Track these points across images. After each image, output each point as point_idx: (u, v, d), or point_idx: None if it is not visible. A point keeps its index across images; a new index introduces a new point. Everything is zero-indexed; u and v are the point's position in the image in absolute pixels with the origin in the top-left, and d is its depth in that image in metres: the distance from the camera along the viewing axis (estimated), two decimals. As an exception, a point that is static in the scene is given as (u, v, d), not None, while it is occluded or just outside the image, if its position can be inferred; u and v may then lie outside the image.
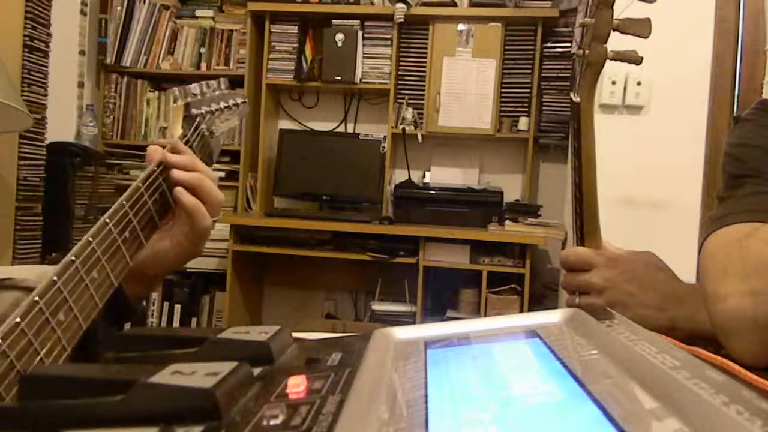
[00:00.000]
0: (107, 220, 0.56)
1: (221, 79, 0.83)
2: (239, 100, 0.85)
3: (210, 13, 3.27)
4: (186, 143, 0.72)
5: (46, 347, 0.47)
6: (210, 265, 3.12)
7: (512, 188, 3.13)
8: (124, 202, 0.59)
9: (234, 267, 2.95)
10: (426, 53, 3.05)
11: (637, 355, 0.33)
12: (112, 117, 3.26)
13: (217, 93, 0.80)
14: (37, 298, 0.47)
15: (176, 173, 0.66)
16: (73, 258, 0.51)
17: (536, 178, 3.16)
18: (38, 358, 0.46)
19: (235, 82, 3.20)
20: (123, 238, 0.58)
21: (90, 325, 0.61)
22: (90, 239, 0.54)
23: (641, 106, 2.50)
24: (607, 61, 0.74)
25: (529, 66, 3.00)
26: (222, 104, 0.80)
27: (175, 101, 0.74)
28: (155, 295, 3.15)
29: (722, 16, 2.44)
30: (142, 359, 0.39)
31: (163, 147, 0.68)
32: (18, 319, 0.44)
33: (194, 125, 0.74)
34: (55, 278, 0.49)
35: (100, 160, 2.89)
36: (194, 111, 0.75)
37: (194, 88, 0.76)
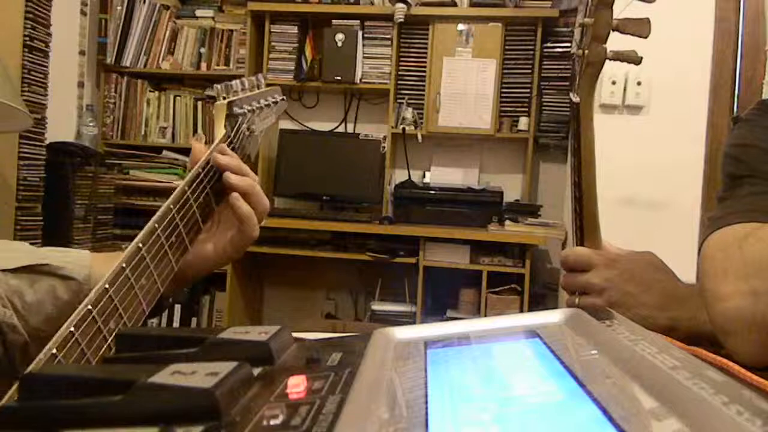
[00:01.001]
0: (155, 225, 0.56)
1: (259, 75, 0.81)
2: (278, 98, 0.84)
3: (210, 13, 3.27)
4: (230, 143, 0.71)
5: (97, 356, 0.47)
6: (210, 265, 3.12)
7: (512, 188, 3.13)
8: (171, 206, 0.59)
9: (234, 267, 2.95)
10: (426, 53, 3.05)
11: (637, 355, 0.33)
12: (112, 117, 3.26)
13: (256, 91, 0.79)
14: (90, 307, 0.47)
15: (231, 178, 0.65)
16: (124, 265, 0.51)
17: (536, 178, 3.16)
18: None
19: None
20: (170, 243, 0.57)
21: None
22: (140, 245, 0.53)
23: (641, 106, 2.50)
24: (607, 61, 0.74)
25: (529, 66, 3.00)
26: (262, 102, 0.79)
27: (217, 99, 0.72)
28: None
29: (722, 16, 2.44)
30: (142, 359, 0.39)
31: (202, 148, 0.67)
32: (72, 329, 0.45)
33: (237, 124, 0.73)
34: (107, 286, 0.49)
35: (100, 160, 2.89)
36: (236, 110, 0.74)
37: (236, 85, 0.75)
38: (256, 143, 0.79)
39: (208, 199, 0.65)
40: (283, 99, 0.85)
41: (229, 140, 0.71)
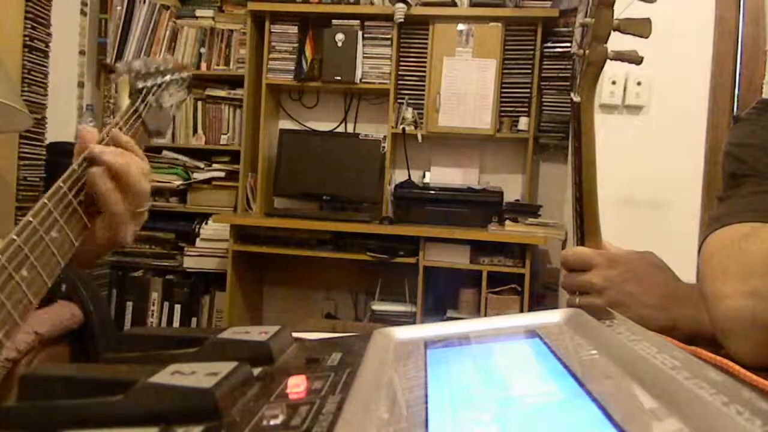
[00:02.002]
0: (30, 219, 0.55)
1: (166, 55, 0.86)
2: (185, 74, 0.87)
3: (210, 13, 3.27)
4: (134, 112, 0.74)
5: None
6: (210, 265, 3.12)
7: (512, 188, 3.13)
8: (46, 201, 0.58)
9: (234, 267, 2.95)
10: (426, 53, 3.05)
11: (637, 355, 0.33)
12: (112, 117, 3.25)
13: (162, 68, 0.82)
14: None
15: (104, 155, 0.64)
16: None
17: (536, 178, 3.16)
18: None
19: (235, 82, 3.20)
20: (51, 238, 0.57)
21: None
22: (14, 237, 0.53)
23: (641, 106, 2.50)
24: (607, 61, 0.74)
25: (529, 66, 3.00)
26: (168, 78, 0.82)
27: (119, 75, 0.76)
28: (155, 295, 3.16)
29: (722, 16, 2.44)
30: (142, 359, 0.39)
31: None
32: None
33: (141, 98, 0.76)
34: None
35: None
36: (140, 84, 0.77)
37: (138, 63, 0.78)
38: (168, 118, 0.82)
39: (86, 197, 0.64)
40: (190, 75, 0.89)
41: (134, 109, 0.74)
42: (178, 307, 3.14)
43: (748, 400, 0.25)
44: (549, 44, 2.99)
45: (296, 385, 0.32)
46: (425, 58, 3.05)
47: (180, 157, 3.19)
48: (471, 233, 2.78)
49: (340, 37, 3.06)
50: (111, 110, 3.26)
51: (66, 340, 1.40)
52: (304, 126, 3.35)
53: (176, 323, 3.12)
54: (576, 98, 0.76)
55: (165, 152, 3.21)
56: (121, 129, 0.70)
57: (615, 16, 0.72)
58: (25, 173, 2.36)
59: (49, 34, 2.45)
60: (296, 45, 3.15)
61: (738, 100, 2.45)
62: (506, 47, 3.01)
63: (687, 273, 0.77)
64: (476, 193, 2.99)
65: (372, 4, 3.10)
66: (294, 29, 3.15)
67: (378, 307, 3.01)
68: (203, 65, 3.23)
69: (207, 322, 3.18)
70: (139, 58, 0.79)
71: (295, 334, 0.44)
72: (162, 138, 0.81)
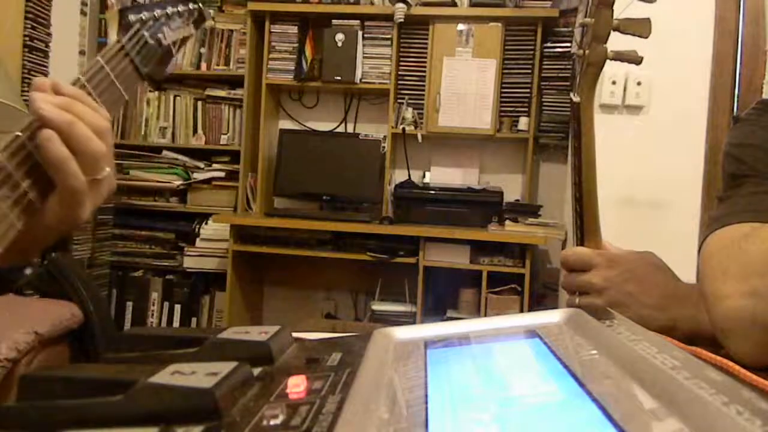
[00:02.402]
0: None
1: None
2: (191, 6, 0.76)
3: (210, 13, 3.27)
4: (120, 49, 0.64)
5: None
6: (210, 265, 3.12)
7: (512, 188, 3.13)
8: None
9: (234, 267, 2.95)
10: (426, 53, 3.05)
11: (637, 355, 0.33)
12: (112, 117, 3.25)
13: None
14: None
15: (45, 111, 0.53)
16: None
17: (536, 178, 3.16)
18: None
19: (235, 82, 3.20)
20: (2, 195, 0.49)
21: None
22: None
23: (641, 106, 2.50)
24: (607, 61, 0.74)
25: (529, 66, 3.00)
26: (169, 9, 0.72)
27: (111, 7, 0.70)
28: (155, 295, 3.16)
29: (722, 16, 2.44)
30: (142, 359, 0.39)
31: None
32: None
33: (132, 32, 0.67)
34: None
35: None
36: (132, 17, 0.67)
37: None
38: (169, 53, 0.71)
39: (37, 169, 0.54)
40: (197, 7, 0.76)
41: (120, 47, 0.65)
42: (178, 307, 3.14)
43: (748, 400, 0.25)
44: (549, 44, 2.99)
45: (296, 385, 0.32)
46: (425, 58, 3.05)
47: (180, 157, 3.19)
48: (471, 233, 2.78)
49: (340, 37, 3.06)
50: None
51: (66, 340, 1.39)
52: (304, 126, 3.35)
53: (176, 323, 3.12)
54: (576, 98, 0.76)
55: (165, 152, 3.21)
56: (103, 68, 0.61)
57: (615, 16, 0.72)
58: (25, 173, 2.36)
59: (49, 34, 2.45)
60: (296, 45, 3.15)
61: (738, 100, 2.45)
62: (506, 47, 3.01)
63: (687, 273, 0.77)
64: (476, 193, 2.99)
65: (372, 4, 3.10)
66: (294, 29, 3.15)
67: (378, 307, 3.01)
68: (203, 65, 3.23)
69: (207, 322, 3.18)
70: None
71: (295, 334, 0.44)
72: (161, 79, 0.72)
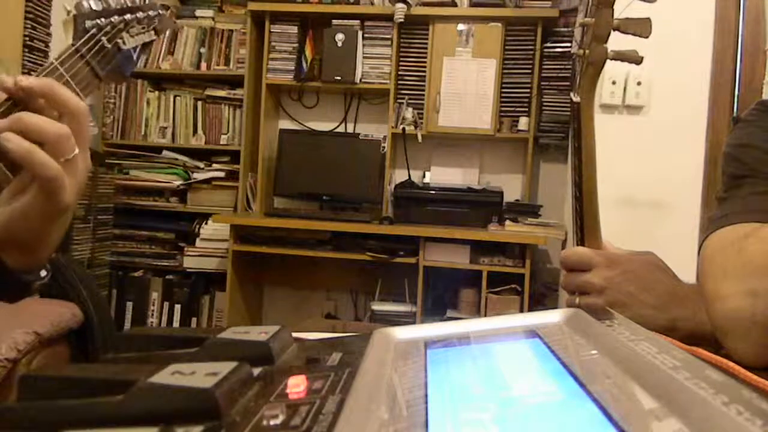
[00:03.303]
0: None
1: None
2: (155, 12, 0.76)
3: (210, 13, 3.27)
4: (75, 52, 0.66)
5: None
6: (210, 265, 3.12)
7: (512, 188, 3.13)
8: None
9: (234, 267, 2.95)
10: (426, 53, 3.05)
11: (637, 355, 0.33)
12: (112, 117, 3.26)
13: (126, 5, 0.73)
14: None
15: None
16: None
17: (536, 178, 3.16)
18: None
19: (235, 82, 3.20)
20: None
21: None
22: None
23: (641, 106, 2.50)
24: (607, 60, 0.74)
25: (529, 66, 3.00)
26: (128, 16, 0.73)
27: (68, 14, 0.69)
28: (155, 295, 3.16)
29: (722, 16, 2.44)
30: (142, 359, 0.39)
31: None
32: None
33: (87, 36, 0.68)
34: None
35: (100, 160, 2.89)
36: (88, 23, 0.68)
37: (92, 1, 0.69)
38: (129, 59, 0.73)
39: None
40: (162, 12, 0.77)
41: (75, 50, 0.66)
42: (178, 307, 3.14)
43: (748, 400, 0.25)
44: (549, 44, 2.99)
45: (296, 385, 0.32)
46: (425, 58, 3.05)
47: (180, 157, 3.19)
48: (471, 233, 2.78)
49: (340, 37, 3.06)
50: (111, 110, 3.26)
51: (66, 340, 1.39)
52: (304, 126, 3.35)
53: (176, 323, 3.12)
54: (576, 98, 0.76)
55: (165, 152, 3.21)
56: (57, 69, 0.62)
57: (615, 16, 0.72)
58: (25, 173, 2.36)
59: (49, 34, 2.45)
60: (296, 45, 3.15)
61: (738, 100, 2.45)
62: (506, 47, 3.01)
63: (687, 273, 0.77)
64: (476, 193, 2.99)
65: (372, 4, 3.10)
66: (294, 29, 3.15)
67: (378, 307, 3.01)
68: (203, 65, 3.23)
69: (207, 322, 3.18)
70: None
71: (295, 334, 0.44)
72: (120, 83, 0.72)
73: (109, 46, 0.69)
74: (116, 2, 0.71)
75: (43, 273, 0.63)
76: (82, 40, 0.67)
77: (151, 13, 0.75)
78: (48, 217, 0.58)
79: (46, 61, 2.45)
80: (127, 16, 0.72)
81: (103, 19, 0.69)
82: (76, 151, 0.59)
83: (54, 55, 2.55)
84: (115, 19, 0.71)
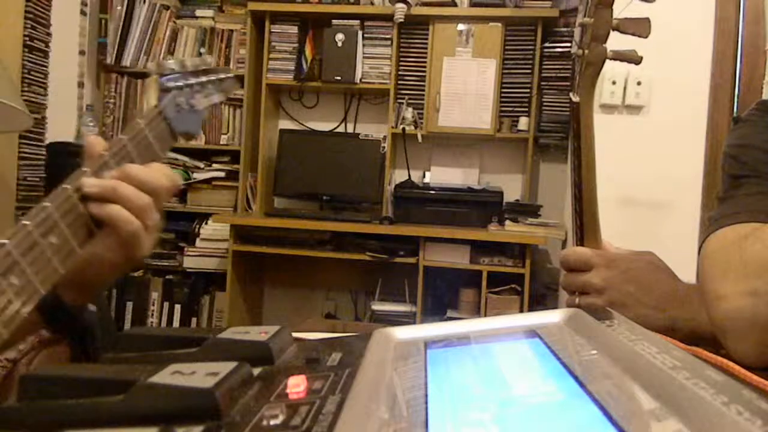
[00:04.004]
0: (25, 222, 0.51)
1: (206, 56, 0.82)
2: (222, 75, 0.82)
3: (210, 13, 3.27)
4: (159, 113, 0.70)
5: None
6: (210, 265, 3.12)
7: (512, 188, 3.13)
8: (46, 203, 0.54)
9: (234, 267, 2.95)
10: (426, 53, 3.05)
11: (637, 355, 0.33)
12: (112, 117, 3.25)
13: (199, 68, 0.78)
14: None
15: (85, 186, 0.58)
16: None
17: (536, 178, 3.16)
18: None
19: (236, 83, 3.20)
20: (48, 243, 0.53)
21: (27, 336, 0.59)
22: (5, 241, 0.49)
23: (641, 106, 2.50)
24: (607, 60, 0.74)
25: (529, 66, 3.00)
26: (203, 78, 0.78)
27: (150, 75, 0.73)
28: (155, 295, 3.16)
29: (722, 16, 2.44)
30: (142, 359, 0.39)
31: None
32: None
33: (169, 98, 0.73)
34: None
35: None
36: (170, 84, 0.73)
37: (172, 63, 0.74)
38: (199, 119, 0.78)
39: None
40: (230, 76, 0.84)
41: (158, 111, 0.70)
42: (178, 307, 3.14)
43: (748, 400, 0.25)
44: (549, 44, 2.99)
45: (296, 385, 0.32)
46: (425, 58, 3.05)
47: (180, 157, 3.18)
48: (471, 233, 2.78)
49: (340, 37, 3.06)
50: (111, 110, 3.26)
51: (66, 340, 1.40)
52: (304, 126, 3.35)
53: (176, 323, 3.12)
54: (576, 98, 0.76)
55: (165, 152, 3.20)
56: (143, 130, 0.66)
57: (614, 16, 0.72)
58: (25, 173, 2.36)
59: (49, 34, 2.45)
60: (296, 45, 3.15)
61: (738, 100, 2.45)
62: (506, 47, 3.01)
63: (687, 273, 0.77)
64: (476, 193, 2.99)
65: (372, 4, 3.10)
66: (294, 29, 3.15)
67: (378, 307, 3.00)
68: (203, 65, 3.22)
69: (207, 322, 3.18)
70: (173, 58, 0.75)
71: (295, 334, 0.44)
72: (191, 140, 0.77)
73: (186, 107, 0.74)
74: (192, 64, 0.76)
75: (92, 308, 0.66)
76: (165, 101, 0.71)
77: (221, 75, 0.82)
78: (119, 267, 0.63)
79: (46, 61, 2.45)
80: (202, 78, 0.77)
81: (182, 81, 0.74)
82: (157, 217, 0.64)
83: (54, 55, 2.52)
84: (192, 80, 0.76)
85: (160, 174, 0.66)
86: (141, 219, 0.61)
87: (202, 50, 3.24)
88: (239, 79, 3.14)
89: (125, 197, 0.60)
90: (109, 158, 0.61)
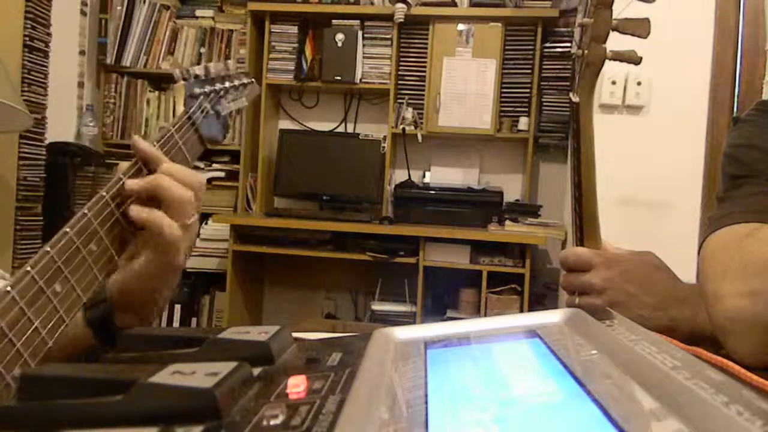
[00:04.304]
0: (67, 230, 0.53)
1: (228, 61, 0.83)
2: (247, 81, 0.84)
3: (210, 13, 3.27)
4: (188, 119, 0.71)
5: (41, 317, 0.45)
6: (210, 265, 3.12)
7: (512, 188, 3.13)
8: (86, 212, 0.55)
9: (234, 267, 2.95)
10: (426, 53, 3.05)
11: (637, 355, 0.33)
12: (112, 117, 3.25)
13: (222, 74, 0.79)
14: (28, 268, 0.45)
15: (127, 185, 0.60)
16: (29, 269, 0.48)
17: (536, 178, 3.16)
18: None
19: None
20: (89, 251, 0.54)
21: (84, 356, 0.59)
22: (48, 249, 0.50)
23: (641, 106, 2.50)
24: (607, 61, 0.74)
25: (529, 66, 3.00)
26: (227, 84, 0.79)
27: (177, 81, 0.73)
28: (155, 295, 3.15)
29: (722, 16, 2.44)
30: (142, 359, 0.39)
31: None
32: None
33: (197, 104, 0.74)
34: (8, 289, 0.45)
35: (100, 160, 2.89)
36: (197, 90, 0.74)
37: (198, 68, 0.75)
38: (225, 124, 0.79)
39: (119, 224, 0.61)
40: (252, 81, 0.85)
41: (188, 117, 0.71)
42: (178, 307, 3.13)
43: (748, 400, 0.25)
44: (549, 44, 2.99)
45: (296, 385, 0.32)
46: (425, 58, 3.05)
47: (180, 157, 3.18)
48: (471, 233, 2.78)
49: (340, 37, 3.06)
50: (111, 110, 3.26)
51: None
52: (304, 126, 3.35)
53: (176, 323, 3.12)
54: (575, 98, 0.76)
55: (165, 152, 3.20)
56: (173, 136, 0.67)
57: (614, 16, 0.72)
58: (25, 173, 2.36)
59: (49, 34, 2.44)
60: (296, 45, 3.15)
61: (738, 100, 2.45)
62: (506, 47, 3.01)
63: (687, 273, 0.77)
64: (476, 193, 2.99)
65: (372, 4, 3.10)
66: (294, 29, 3.15)
67: (378, 307, 3.01)
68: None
69: (207, 322, 3.18)
70: (199, 65, 0.75)
71: (295, 334, 0.44)
72: (216, 146, 0.77)
73: (212, 113, 0.75)
74: (216, 70, 0.77)
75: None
76: (193, 108, 0.72)
77: (245, 80, 0.83)
78: (160, 277, 0.62)
79: (46, 61, 2.45)
80: (227, 84, 0.79)
81: (207, 87, 0.75)
82: (195, 217, 0.63)
83: (54, 55, 2.52)
84: (217, 86, 0.77)
85: (196, 174, 0.65)
86: (180, 218, 0.61)
87: (202, 50, 3.24)
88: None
89: (167, 191, 0.60)
90: (141, 164, 0.62)
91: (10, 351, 0.45)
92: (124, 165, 0.62)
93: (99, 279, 0.54)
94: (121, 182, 0.59)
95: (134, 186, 0.59)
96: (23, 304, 0.45)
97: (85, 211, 0.55)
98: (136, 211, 0.59)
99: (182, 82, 0.73)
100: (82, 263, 0.53)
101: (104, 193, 0.58)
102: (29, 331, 0.45)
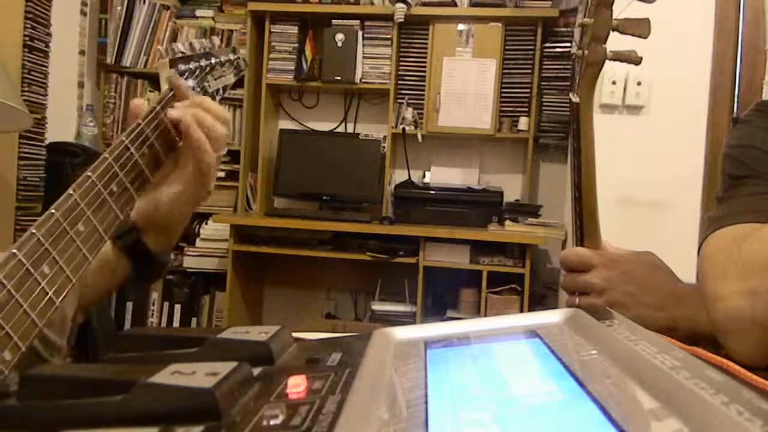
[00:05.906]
0: (89, 174, 0.57)
1: (213, 37, 0.82)
2: (231, 56, 0.83)
3: (210, 13, 3.27)
4: (173, 97, 0.71)
5: (29, 300, 0.46)
6: (210, 265, 3.12)
7: (512, 188, 3.13)
8: (107, 156, 0.60)
9: (234, 267, 2.95)
10: (426, 53, 3.05)
11: (637, 355, 0.33)
12: (112, 117, 3.25)
13: (206, 50, 0.79)
14: (14, 251, 0.46)
15: (175, 111, 0.66)
16: (53, 211, 0.51)
17: (536, 178, 3.16)
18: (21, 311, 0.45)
19: (235, 82, 3.19)
20: (110, 191, 0.57)
21: (121, 285, 0.63)
22: (71, 192, 0.54)
23: (641, 106, 2.50)
24: (607, 61, 0.74)
25: (529, 66, 3.00)
26: (213, 60, 0.79)
27: (161, 58, 0.73)
28: (155, 295, 3.15)
29: (722, 16, 2.44)
30: (142, 359, 0.39)
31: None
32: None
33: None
34: (33, 231, 0.48)
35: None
36: (181, 67, 0.74)
37: (181, 45, 0.75)
38: (212, 101, 0.80)
39: (154, 151, 0.65)
40: (238, 57, 0.85)
41: (172, 95, 0.71)
42: (178, 307, 3.13)
43: (748, 400, 0.25)
44: (549, 44, 2.99)
45: (296, 385, 0.32)
46: (425, 58, 3.05)
47: (180, 157, 3.18)
48: (471, 233, 2.78)
49: (340, 37, 3.06)
50: (111, 110, 3.26)
51: (66, 340, 1.39)
52: (304, 126, 3.35)
53: (176, 323, 3.12)
54: (576, 98, 0.76)
55: (165, 152, 3.20)
56: (157, 115, 0.68)
57: (614, 17, 0.72)
58: (25, 173, 2.36)
59: (49, 34, 2.44)
60: (296, 45, 3.15)
61: (738, 100, 2.45)
62: (506, 47, 3.01)
63: (687, 273, 0.77)
64: (476, 193, 2.99)
65: (372, 4, 3.10)
66: (294, 29, 3.15)
67: (378, 307, 3.00)
68: (203, 65, 3.22)
69: (207, 322, 3.18)
70: (182, 42, 0.75)
71: (295, 334, 0.44)
72: None
73: (198, 89, 0.76)
74: (200, 46, 0.77)
75: (171, 256, 0.70)
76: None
77: (231, 57, 0.83)
78: (192, 203, 0.69)
79: (46, 61, 2.44)
80: (212, 60, 0.79)
81: (192, 63, 0.75)
82: (225, 150, 0.70)
83: (54, 55, 2.52)
84: (202, 63, 0.77)
85: (226, 111, 0.71)
86: (217, 149, 0.67)
87: (202, 50, 3.24)
88: (239, 79, 3.14)
89: (208, 120, 0.66)
90: (127, 142, 0.64)
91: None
92: (138, 101, 0.68)
93: (88, 260, 0.54)
94: (154, 111, 0.64)
95: (174, 114, 0.65)
96: (10, 286, 0.46)
97: (71, 192, 0.56)
98: (195, 130, 0.65)
99: (164, 59, 0.72)
100: (102, 205, 0.56)
101: (140, 121, 0.63)
102: (18, 314, 0.46)
